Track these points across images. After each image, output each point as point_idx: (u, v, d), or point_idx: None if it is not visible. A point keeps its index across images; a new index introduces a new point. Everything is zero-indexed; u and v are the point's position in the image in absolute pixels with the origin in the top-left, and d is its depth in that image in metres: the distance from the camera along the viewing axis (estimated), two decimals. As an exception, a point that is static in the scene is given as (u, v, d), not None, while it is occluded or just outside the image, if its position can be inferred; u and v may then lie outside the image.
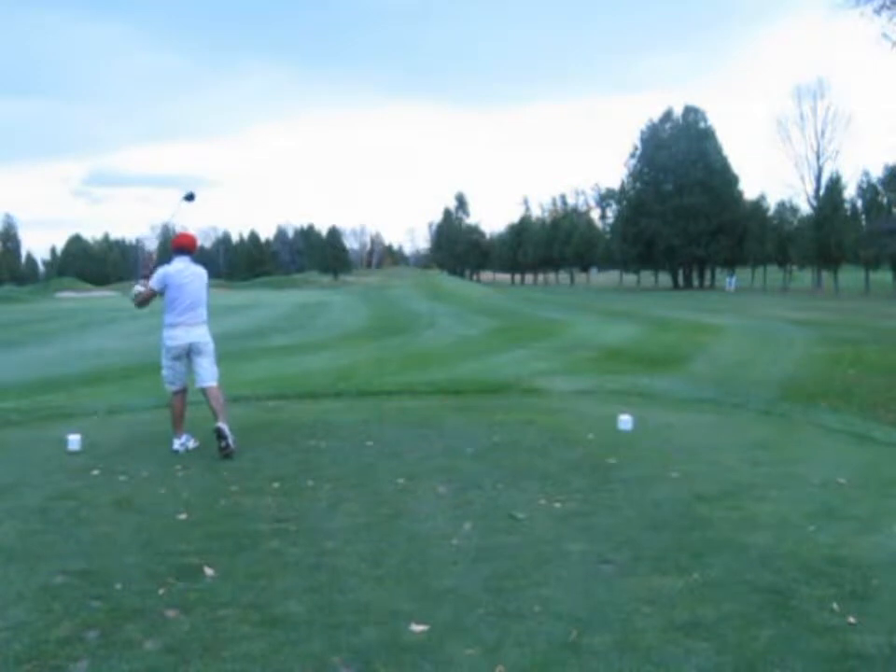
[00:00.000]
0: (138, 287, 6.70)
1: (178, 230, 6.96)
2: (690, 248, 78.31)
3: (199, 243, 6.87)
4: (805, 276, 72.23)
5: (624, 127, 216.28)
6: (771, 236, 69.86)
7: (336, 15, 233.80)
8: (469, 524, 4.52)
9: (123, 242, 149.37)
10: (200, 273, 6.77)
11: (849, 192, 64.47)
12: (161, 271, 6.66)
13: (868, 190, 61.44)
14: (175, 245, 6.78)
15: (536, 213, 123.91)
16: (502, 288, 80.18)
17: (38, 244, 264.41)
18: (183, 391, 6.77)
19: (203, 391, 6.67)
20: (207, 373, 6.66)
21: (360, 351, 19.67)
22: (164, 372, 6.75)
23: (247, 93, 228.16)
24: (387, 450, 6.52)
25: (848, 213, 63.26)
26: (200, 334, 6.65)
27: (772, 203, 75.62)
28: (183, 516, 4.73)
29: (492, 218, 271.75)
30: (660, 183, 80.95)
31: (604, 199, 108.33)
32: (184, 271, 6.66)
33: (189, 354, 6.66)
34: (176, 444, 6.56)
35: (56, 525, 4.60)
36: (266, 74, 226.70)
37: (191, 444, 6.61)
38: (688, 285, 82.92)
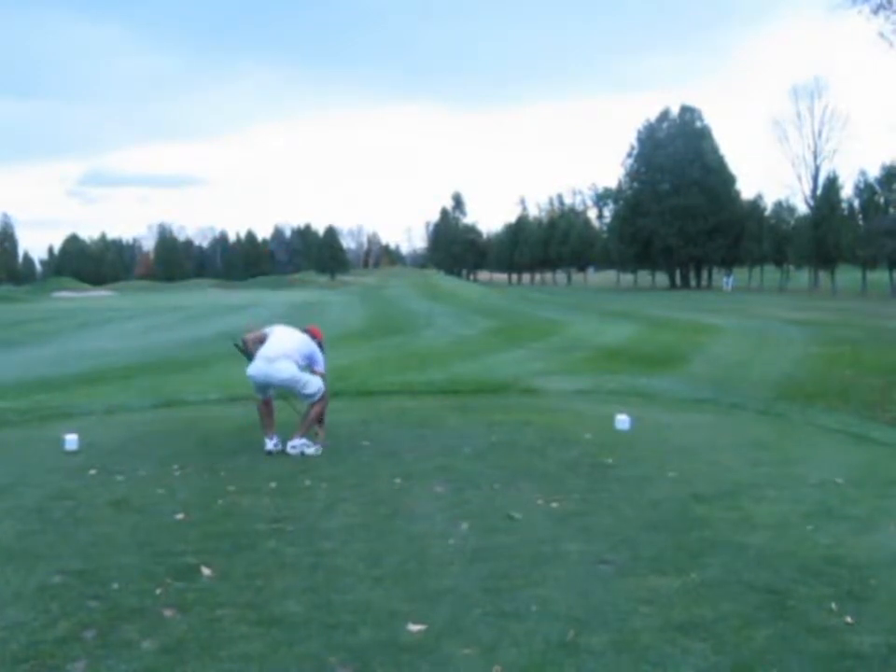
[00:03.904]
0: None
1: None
2: (687, 248, 78.36)
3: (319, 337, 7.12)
4: (802, 276, 72.25)
5: (622, 127, 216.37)
6: (768, 236, 69.89)
7: (333, 15, 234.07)
8: (466, 523, 4.52)
9: (120, 241, 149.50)
10: (303, 339, 6.84)
11: (846, 192, 64.53)
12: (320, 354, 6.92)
13: (865, 190, 61.45)
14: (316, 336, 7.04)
15: (533, 213, 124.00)
16: (499, 288, 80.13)
17: (36, 243, 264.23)
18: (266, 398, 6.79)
19: None
20: (305, 401, 6.78)
21: (358, 351, 19.62)
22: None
23: (245, 93, 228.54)
24: (385, 450, 6.52)
25: (845, 213, 63.27)
26: (276, 371, 6.59)
27: (769, 203, 75.83)
28: (180, 516, 4.72)
29: (489, 218, 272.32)
30: (657, 182, 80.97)
31: (601, 198, 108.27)
32: (288, 330, 6.95)
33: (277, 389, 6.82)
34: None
35: (54, 524, 4.60)
36: (263, 74, 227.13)
37: (266, 448, 6.57)
38: (685, 284, 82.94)
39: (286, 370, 6.56)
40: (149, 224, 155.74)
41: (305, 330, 7.02)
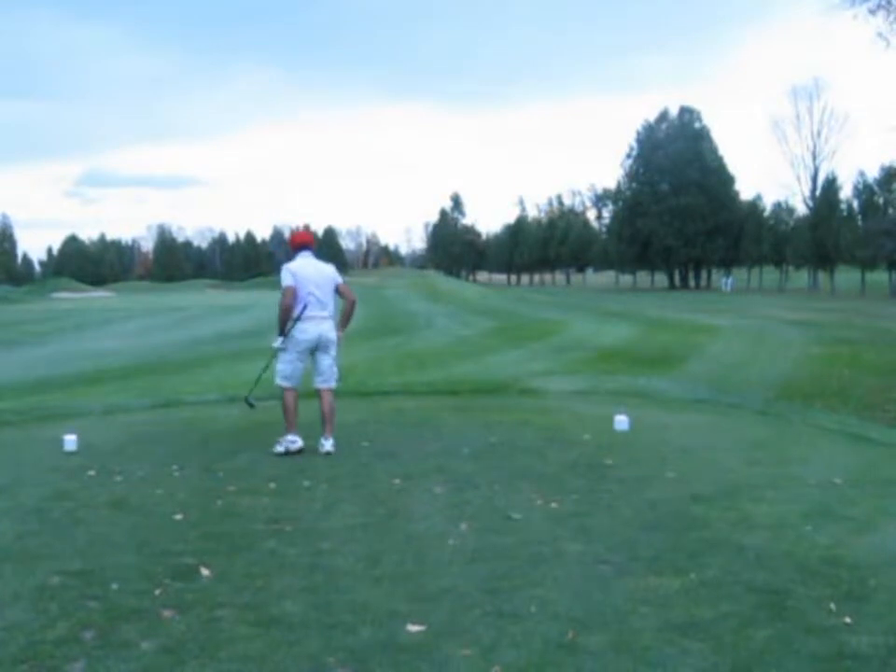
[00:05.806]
0: (277, 343, 6.60)
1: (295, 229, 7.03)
2: (686, 249, 78.46)
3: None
4: (801, 277, 72.35)
5: (621, 127, 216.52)
6: (767, 237, 69.99)
7: (332, 15, 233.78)
8: (465, 524, 4.52)
9: (119, 242, 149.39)
10: (325, 269, 6.70)
11: (845, 193, 64.70)
12: (287, 268, 6.58)
13: (864, 191, 61.59)
14: (296, 244, 6.80)
15: (532, 213, 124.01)
16: (498, 289, 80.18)
17: (34, 244, 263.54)
18: (296, 388, 6.70)
19: (319, 392, 6.71)
20: (328, 373, 6.72)
21: (357, 351, 19.62)
22: (282, 367, 6.64)
23: (243, 93, 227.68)
24: (384, 450, 6.52)
25: (844, 213, 63.35)
26: (327, 329, 6.61)
27: (768, 204, 76.04)
28: (179, 516, 4.72)
29: (488, 219, 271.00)
30: (656, 183, 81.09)
31: (600, 199, 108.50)
32: (307, 266, 6.64)
33: (314, 350, 6.63)
34: (280, 447, 6.47)
35: (52, 525, 4.59)
36: (261, 74, 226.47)
37: (296, 445, 6.48)
38: (684, 285, 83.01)
39: (333, 330, 6.62)
40: (148, 225, 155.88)
41: (310, 251, 6.72)
